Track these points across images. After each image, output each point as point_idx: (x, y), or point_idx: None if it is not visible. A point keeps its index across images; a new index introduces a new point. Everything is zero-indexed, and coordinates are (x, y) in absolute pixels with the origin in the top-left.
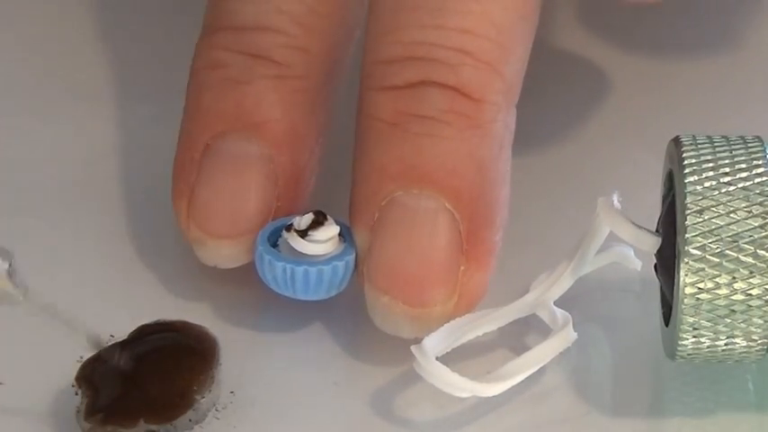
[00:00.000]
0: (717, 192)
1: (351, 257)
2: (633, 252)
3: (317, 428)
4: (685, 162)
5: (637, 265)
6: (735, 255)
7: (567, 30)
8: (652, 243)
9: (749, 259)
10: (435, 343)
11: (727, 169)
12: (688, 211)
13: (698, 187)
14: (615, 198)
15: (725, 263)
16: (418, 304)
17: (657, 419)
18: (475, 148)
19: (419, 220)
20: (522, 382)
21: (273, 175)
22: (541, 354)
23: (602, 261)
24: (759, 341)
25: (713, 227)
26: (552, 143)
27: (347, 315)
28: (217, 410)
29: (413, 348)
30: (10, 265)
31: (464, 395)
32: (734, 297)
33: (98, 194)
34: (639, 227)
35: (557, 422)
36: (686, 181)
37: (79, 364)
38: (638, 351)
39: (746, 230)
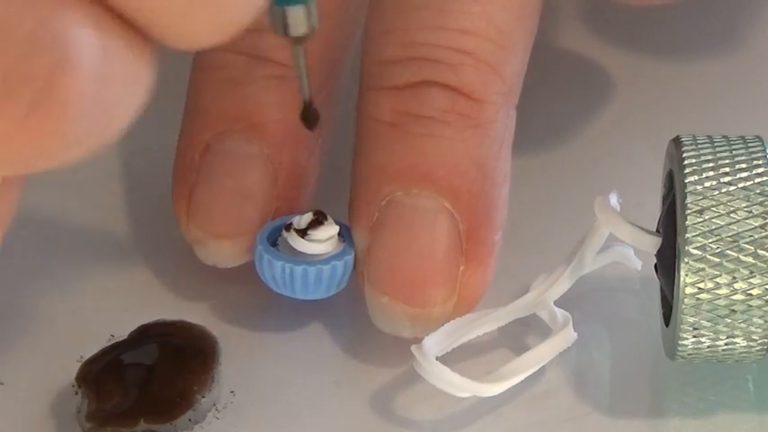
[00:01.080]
0: (717, 192)
1: (350, 257)
2: (633, 252)
3: (317, 428)
4: (685, 162)
5: (637, 265)
6: (735, 255)
7: (568, 30)
8: (652, 243)
9: (749, 259)
10: (435, 343)
11: (727, 169)
12: (688, 211)
13: (698, 187)
14: (614, 198)
15: (725, 263)
16: (418, 304)
17: (657, 419)
18: (474, 149)
19: (418, 220)
20: (522, 382)
21: (273, 175)
22: (541, 354)
23: (603, 261)
24: (759, 341)
25: (713, 227)
26: (552, 143)
27: (347, 315)
28: (217, 410)
29: (413, 348)
30: None
31: (464, 395)
32: (734, 297)
33: (98, 194)
34: (636, 226)
35: (557, 422)
36: (686, 181)
37: (79, 364)
38: (638, 351)
39: (747, 230)
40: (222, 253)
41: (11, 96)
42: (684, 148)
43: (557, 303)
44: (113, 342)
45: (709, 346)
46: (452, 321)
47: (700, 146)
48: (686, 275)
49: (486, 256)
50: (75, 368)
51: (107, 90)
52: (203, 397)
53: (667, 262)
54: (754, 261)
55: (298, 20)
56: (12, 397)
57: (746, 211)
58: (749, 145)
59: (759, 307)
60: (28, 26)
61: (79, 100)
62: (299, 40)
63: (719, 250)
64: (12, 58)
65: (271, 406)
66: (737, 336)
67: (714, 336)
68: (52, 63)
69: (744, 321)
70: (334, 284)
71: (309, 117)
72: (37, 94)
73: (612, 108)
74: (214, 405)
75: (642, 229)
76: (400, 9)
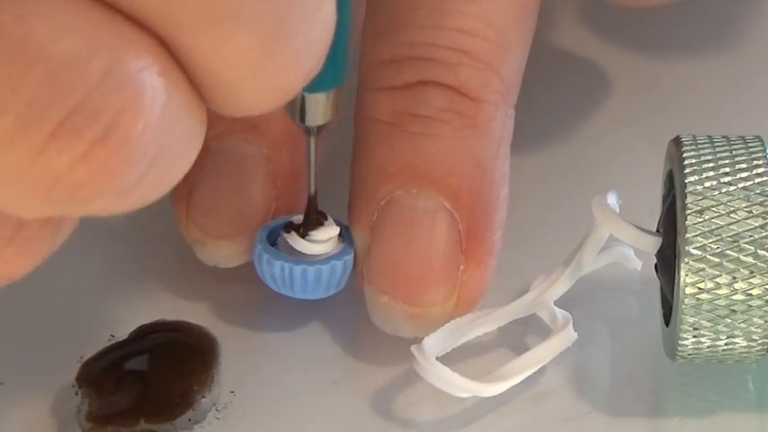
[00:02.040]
0: (717, 192)
1: (349, 257)
2: (633, 252)
3: (317, 428)
4: (686, 162)
5: (637, 265)
6: (735, 255)
7: (567, 30)
8: (652, 243)
9: (749, 259)
10: (435, 343)
11: (727, 169)
12: (688, 211)
13: (698, 187)
14: (614, 197)
15: (725, 263)
16: (418, 304)
17: (657, 419)
18: (473, 148)
19: (418, 219)
20: (522, 382)
21: (272, 174)
22: (541, 354)
23: (603, 261)
24: (759, 341)
25: (713, 227)
26: (552, 143)
27: (347, 315)
28: (217, 410)
29: (413, 348)
30: None
31: (464, 395)
32: (734, 297)
33: None
34: (635, 226)
35: (557, 422)
36: (686, 181)
37: (79, 364)
38: (638, 351)
39: (747, 230)
40: (222, 253)
41: (77, 131)
42: (684, 148)
43: (557, 303)
44: (113, 342)
45: (709, 346)
46: (452, 321)
47: (700, 146)
48: (686, 275)
49: (486, 255)
50: (75, 368)
51: (166, 141)
52: (203, 397)
53: (667, 262)
54: (754, 261)
55: (317, 109)
56: (12, 397)
57: (746, 211)
58: (749, 145)
59: (759, 307)
60: (102, 64)
61: (141, 144)
62: (313, 131)
63: (719, 250)
64: (83, 94)
65: (271, 406)
66: (737, 336)
67: (714, 336)
68: (121, 102)
69: (744, 321)
70: (333, 284)
71: (311, 213)
72: (102, 131)
73: (612, 108)
74: (214, 405)
75: (642, 229)
76: (398, 9)
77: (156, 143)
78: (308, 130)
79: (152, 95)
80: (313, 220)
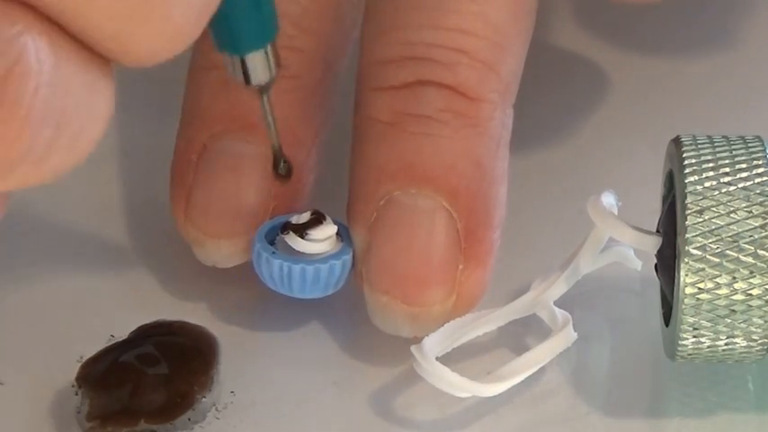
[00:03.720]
0: (717, 192)
1: (348, 256)
2: (633, 252)
3: (317, 428)
4: (685, 162)
5: (637, 265)
6: (735, 255)
7: (566, 29)
8: (652, 243)
9: (749, 259)
10: (435, 343)
11: (727, 169)
12: (688, 211)
13: (698, 187)
14: (612, 197)
15: (725, 263)
16: (417, 303)
17: (657, 419)
18: (472, 147)
19: (417, 219)
20: (522, 382)
21: (270, 174)
22: (541, 354)
23: (603, 261)
24: (759, 341)
25: (713, 227)
26: (552, 142)
27: (347, 315)
28: (217, 410)
29: (413, 348)
30: None
31: (464, 395)
32: (734, 297)
33: (98, 194)
34: (631, 226)
35: (557, 422)
36: (686, 181)
37: (79, 364)
38: (638, 351)
39: (747, 230)
40: (220, 253)
41: None
42: (684, 148)
43: (557, 303)
44: (113, 342)
45: (709, 346)
46: (452, 321)
47: (700, 146)
48: (686, 275)
49: (485, 254)
50: (75, 368)
51: (68, 99)
52: (203, 397)
53: (667, 262)
54: (754, 261)
55: (257, 68)
56: (12, 397)
57: (746, 211)
58: (749, 145)
59: (759, 307)
60: None
61: (37, 103)
62: (262, 89)
63: (719, 250)
64: None
65: (271, 406)
66: (737, 336)
67: (714, 336)
68: (6, 66)
69: (744, 321)
70: (332, 284)
71: (280, 167)
72: None
73: (612, 108)
74: (214, 405)
75: (641, 229)
76: (397, 9)
77: (56, 102)
78: (257, 90)
79: (37, 56)
80: (283, 171)
